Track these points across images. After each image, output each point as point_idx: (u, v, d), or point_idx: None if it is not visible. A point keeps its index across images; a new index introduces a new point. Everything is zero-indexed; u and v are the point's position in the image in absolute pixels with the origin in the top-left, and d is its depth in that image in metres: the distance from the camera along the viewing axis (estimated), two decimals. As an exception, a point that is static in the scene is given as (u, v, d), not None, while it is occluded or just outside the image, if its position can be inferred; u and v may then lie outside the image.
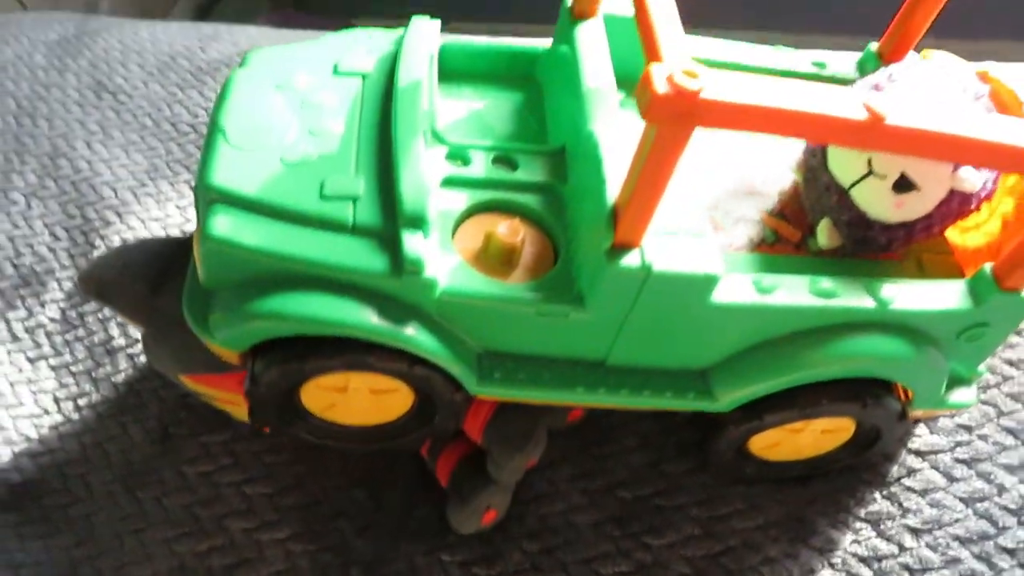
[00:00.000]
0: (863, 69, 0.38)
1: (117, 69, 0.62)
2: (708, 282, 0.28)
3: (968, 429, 0.37)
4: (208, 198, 0.29)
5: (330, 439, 0.34)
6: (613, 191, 0.28)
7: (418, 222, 0.28)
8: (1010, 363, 0.39)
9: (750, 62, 0.38)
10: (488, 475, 0.35)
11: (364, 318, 0.28)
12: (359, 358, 0.29)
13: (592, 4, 0.35)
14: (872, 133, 0.24)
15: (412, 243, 0.28)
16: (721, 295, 0.29)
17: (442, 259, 0.29)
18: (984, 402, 0.38)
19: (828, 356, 0.30)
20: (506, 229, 0.30)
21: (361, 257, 0.28)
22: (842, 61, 0.39)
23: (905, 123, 0.24)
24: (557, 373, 0.31)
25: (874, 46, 0.39)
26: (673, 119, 0.23)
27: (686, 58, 0.24)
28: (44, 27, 0.68)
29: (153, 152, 0.55)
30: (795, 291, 0.30)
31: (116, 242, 0.50)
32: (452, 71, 0.37)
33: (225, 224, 0.28)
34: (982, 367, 0.35)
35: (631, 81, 0.35)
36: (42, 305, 0.48)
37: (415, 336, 0.28)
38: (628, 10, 0.36)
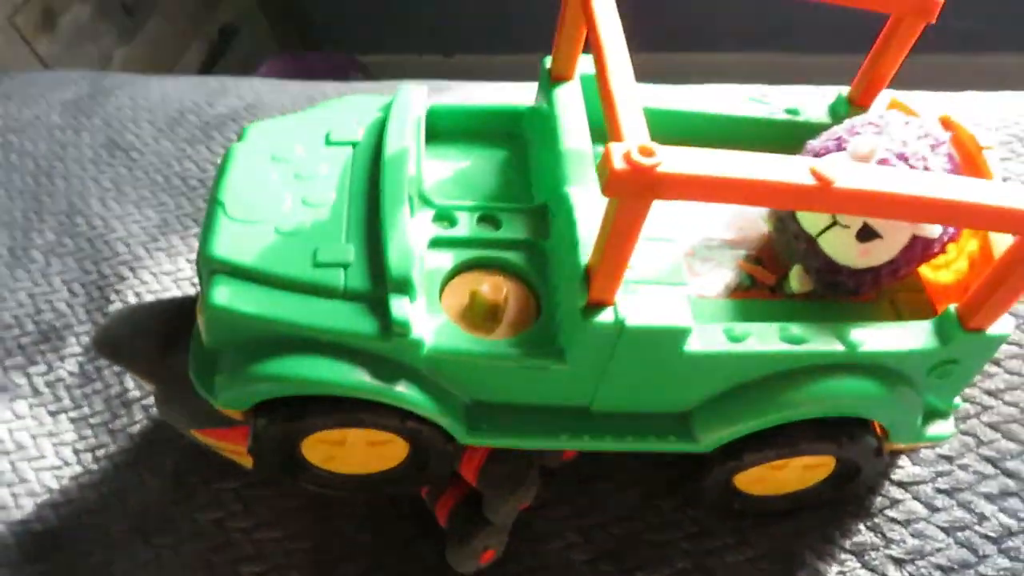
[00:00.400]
0: (835, 114, 0.40)
1: (129, 127, 0.64)
2: (680, 334, 0.30)
3: (949, 459, 0.38)
4: (209, 269, 0.31)
5: (331, 488, 0.36)
6: (586, 252, 0.29)
7: (404, 286, 0.30)
8: (988, 393, 0.40)
9: (728, 111, 0.40)
10: (485, 516, 0.36)
11: (356, 378, 0.30)
12: (353, 415, 0.31)
13: (569, 67, 0.37)
14: (822, 197, 0.25)
15: (399, 307, 0.30)
16: (694, 345, 0.30)
17: (429, 319, 0.31)
18: (964, 432, 0.39)
19: (802, 398, 0.32)
20: (489, 287, 0.32)
21: (352, 321, 0.30)
22: (815, 106, 0.41)
23: (852, 186, 0.25)
24: (543, 422, 0.33)
25: (845, 91, 0.40)
26: (631, 193, 0.25)
27: (644, 136, 0.25)
28: (60, 87, 0.71)
29: (164, 207, 0.57)
30: (765, 339, 0.31)
31: (130, 297, 0.52)
32: (440, 131, 0.39)
33: (225, 293, 0.30)
34: (958, 400, 0.36)
35: (601, 133, 0.37)
36: (61, 360, 0.50)
37: (405, 393, 0.30)
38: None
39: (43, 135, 0.65)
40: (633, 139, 0.25)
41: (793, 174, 0.25)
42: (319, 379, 0.30)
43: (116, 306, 0.52)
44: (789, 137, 0.38)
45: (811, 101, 0.41)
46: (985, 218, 0.27)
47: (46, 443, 0.47)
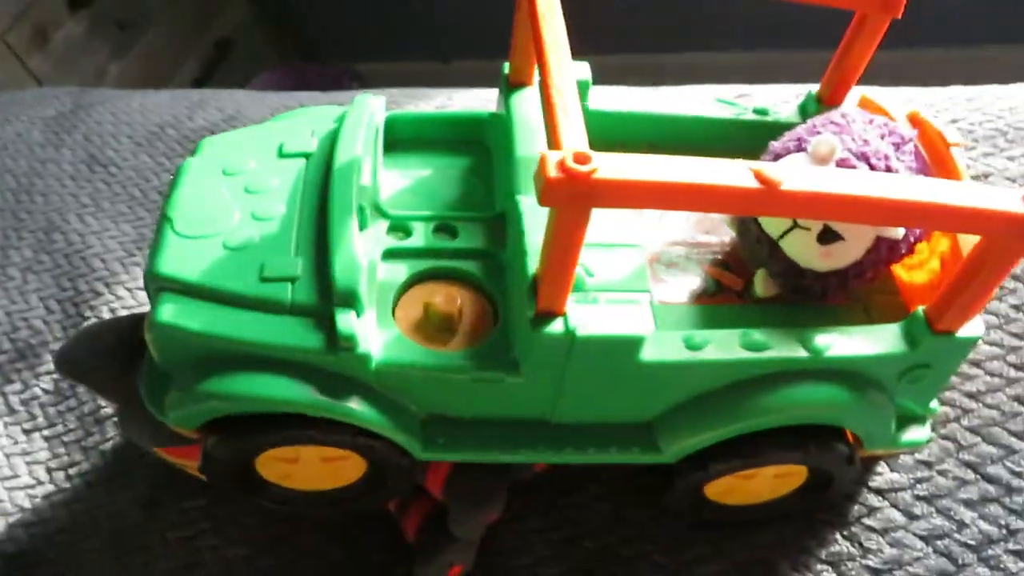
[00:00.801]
0: (804, 113, 0.39)
1: (109, 142, 0.64)
2: (634, 343, 0.29)
3: (928, 465, 0.37)
4: (156, 286, 0.31)
5: (291, 505, 0.35)
6: (535, 261, 0.29)
7: (350, 300, 0.29)
8: (969, 396, 0.39)
9: (696, 113, 0.39)
10: (451, 531, 0.36)
11: (304, 394, 0.29)
12: (302, 432, 0.30)
13: (527, 73, 0.36)
14: (767, 200, 0.25)
15: (345, 320, 0.29)
16: (650, 353, 0.30)
17: (379, 332, 0.30)
18: (944, 437, 0.38)
19: (766, 406, 0.31)
20: (443, 298, 0.31)
21: (299, 335, 0.29)
22: (785, 106, 0.40)
23: (797, 188, 0.24)
24: (500, 435, 0.32)
25: (815, 89, 0.39)
26: (567, 202, 0.24)
27: (582, 143, 0.25)
28: (43, 103, 0.71)
29: (141, 222, 0.57)
30: (725, 346, 0.30)
31: (105, 313, 0.52)
32: (401, 140, 0.38)
33: (170, 310, 0.30)
34: (935, 404, 0.35)
35: None
36: (36, 377, 0.50)
37: (354, 408, 0.30)
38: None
39: (24, 152, 0.65)
40: (569, 146, 0.24)
41: (735, 178, 0.24)
42: (266, 396, 0.29)
43: (91, 322, 0.51)
44: (758, 138, 0.37)
45: (784, 100, 0.40)
46: (939, 219, 0.26)
47: (19, 462, 0.47)
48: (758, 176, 0.24)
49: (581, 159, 0.23)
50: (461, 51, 1.46)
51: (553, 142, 0.25)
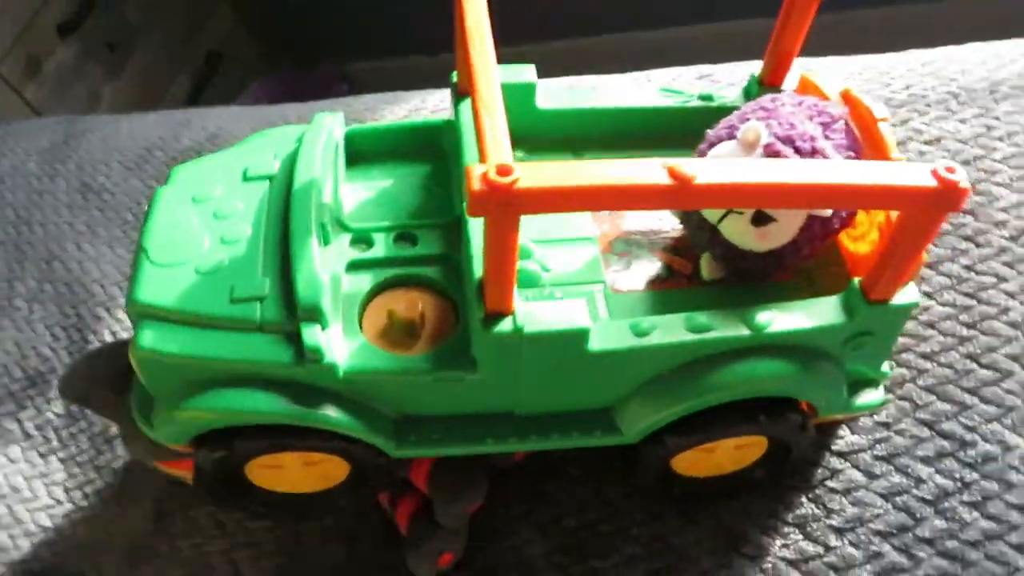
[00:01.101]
0: (748, 96, 0.40)
1: (100, 168, 0.66)
2: (580, 335, 0.31)
3: (886, 426, 0.39)
4: (136, 314, 0.33)
5: (284, 508, 0.37)
6: (480, 265, 0.31)
7: (314, 314, 0.31)
8: (924, 356, 0.40)
9: (642, 104, 0.41)
10: (439, 522, 0.38)
11: (279, 405, 0.31)
12: (279, 440, 0.33)
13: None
14: (682, 196, 0.26)
15: (310, 334, 0.31)
16: (598, 343, 0.31)
17: (346, 342, 0.32)
18: (901, 397, 0.40)
19: (716, 383, 0.33)
20: (404, 305, 0.33)
21: (270, 351, 0.31)
22: (730, 90, 0.42)
23: (713, 181, 0.26)
24: (468, 429, 0.34)
25: (758, 71, 0.41)
26: (493, 212, 0.26)
27: (505, 155, 0.26)
28: (37, 135, 0.74)
29: (135, 246, 0.59)
30: (671, 330, 0.32)
31: (107, 336, 0.54)
32: (363, 153, 0.40)
33: (150, 336, 0.32)
34: (887, 367, 0.37)
35: (524, 139, 0.38)
36: (48, 402, 0.53)
37: (329, 415, 0.32)
38: (512, 77, 0.39)
39: (21, 184, 0.67)
40: (492, 159, 0.26)
41: (650, 176, 0.26)
42: (244, 409, 0.31)
43: (94, 347, 0.54)
44: (704, 124, 0.39)
45: (743, 79, 0.41)
46: (852, 198, 0.28)
47: (39, 484, 0.50)
48: (672, 173, 0.26)
49: (503, 171, 0.25)
50: (448, 44, 1.47)
51: (480, 155, 0.27)
